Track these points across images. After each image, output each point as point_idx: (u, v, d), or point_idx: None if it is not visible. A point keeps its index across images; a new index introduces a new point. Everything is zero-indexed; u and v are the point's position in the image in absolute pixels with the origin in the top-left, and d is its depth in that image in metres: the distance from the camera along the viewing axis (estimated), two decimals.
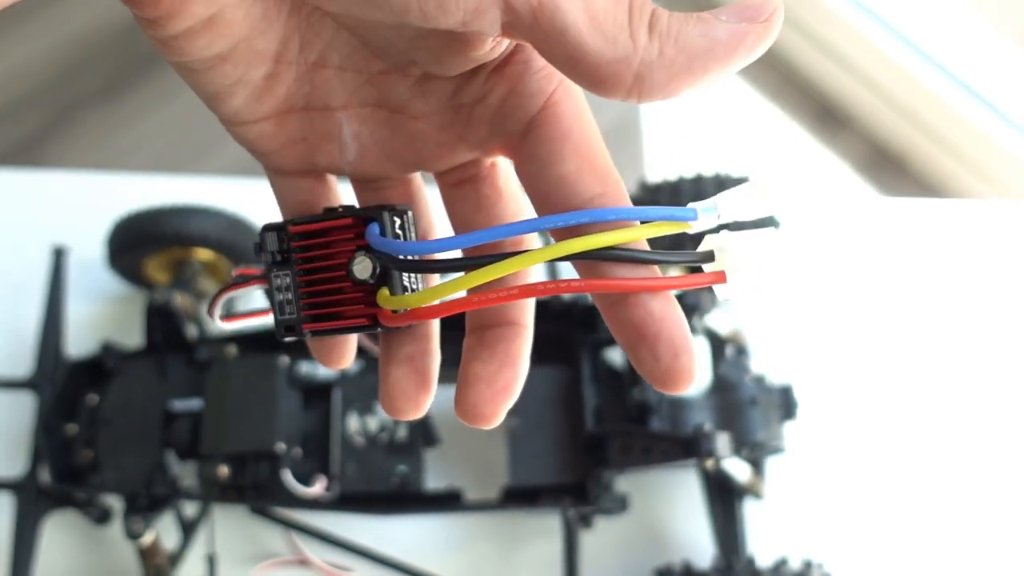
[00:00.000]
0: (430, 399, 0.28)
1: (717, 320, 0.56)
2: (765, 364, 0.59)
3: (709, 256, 0.24)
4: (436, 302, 0.24)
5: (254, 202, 0.64)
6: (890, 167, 1.26)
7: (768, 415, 0.54)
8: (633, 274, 0.24)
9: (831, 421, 0.60)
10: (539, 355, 0.57)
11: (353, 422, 0.55)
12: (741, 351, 0.57)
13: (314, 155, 0.28)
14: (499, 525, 0.57)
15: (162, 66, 1.28)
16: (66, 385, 0.56)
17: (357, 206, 0.28)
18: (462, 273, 0.24)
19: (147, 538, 0.51)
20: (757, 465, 0.55)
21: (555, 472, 0.54)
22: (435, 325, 0.28)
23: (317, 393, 0.56)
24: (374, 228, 0.26)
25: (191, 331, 0.58)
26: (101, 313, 0.62)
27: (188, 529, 0.54)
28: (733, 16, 0.22)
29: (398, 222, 0.26)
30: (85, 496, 0.55)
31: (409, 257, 0.25)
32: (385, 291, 0.25)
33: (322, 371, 0.57)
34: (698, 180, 0.61)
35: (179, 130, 1.23)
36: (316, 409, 0.56)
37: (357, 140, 0.27)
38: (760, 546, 0.55)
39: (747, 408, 0.53)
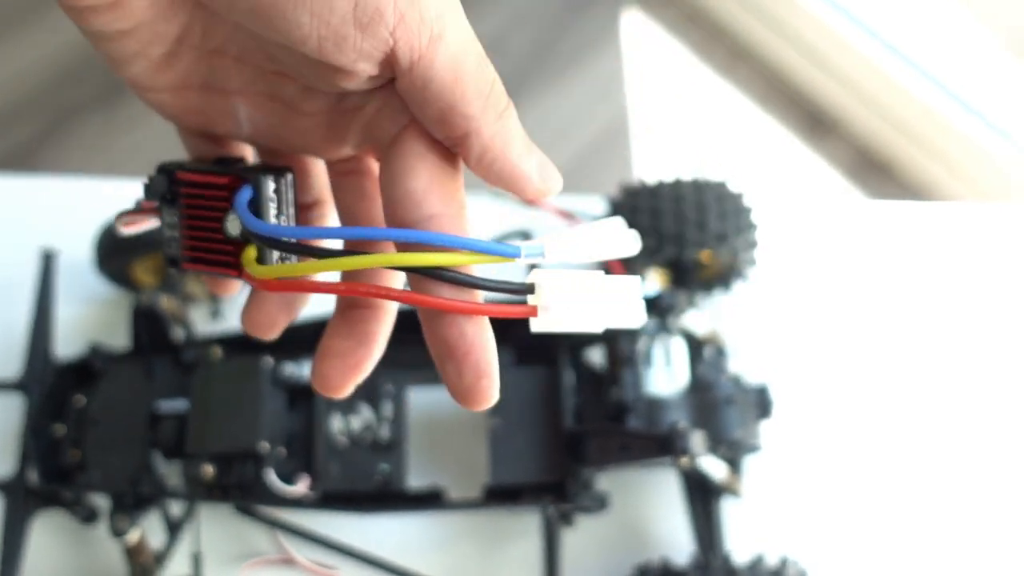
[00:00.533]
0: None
1: (695, 320, 0.57)
2: (744, 365, 0.60)
3: (530, 289, 0.26)
4: (278, 278, 0.27)
5: None
6: (876, 172, 1.28)
7: (744, 414, 0.55)
8: (457, 296, 0.25)
9: (808, 420, 0.61)
10: (520, 356, 0.58)
11: (336, 422, 0.56)
12: (719, 352, 0.58)
13: (212, 125, 0.30)
14: (481, 523, 0.58)
15: None
16: (54, 386, 0.57)
17: (248, 161, 0.31)
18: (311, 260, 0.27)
19: (133, 536, 0.52)
20: (734, 464, 0.56)
21: (536, 471, 0.55)
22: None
23: (301, 393, 0.57)
24: (245, 193, 0.28)
25: (177, 333, 0.59)
26: (89, 315, 0.63)
27: (174, 528, 0.55)
28: (537, 164, 0.27)
29: (272, 186, 0.28)
30: (72, 496, 0.56)
31: (261, 233, 0.27)
32: (250, 251, 0.27)
33: (307, 372, 0.58)
34: (677, 184, 0.62)
35: (176, 136, 1.24)
36: (300, 409, 0.57)
37: (251, 121, 0.30)
38: (738, 543, 0.56)
39: (723, 407, 0.54)
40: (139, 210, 0.31)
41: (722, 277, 0.63)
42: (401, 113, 0.28)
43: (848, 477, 0.60)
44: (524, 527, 0.58)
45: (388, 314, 0.30)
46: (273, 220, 0.28)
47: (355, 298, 0.29)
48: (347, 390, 0.29)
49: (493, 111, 0.26)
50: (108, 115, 1.27)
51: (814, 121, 1.30)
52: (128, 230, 0.32)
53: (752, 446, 0.55)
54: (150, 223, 0.32)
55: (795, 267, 0.67)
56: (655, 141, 1.29)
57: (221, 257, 0.28)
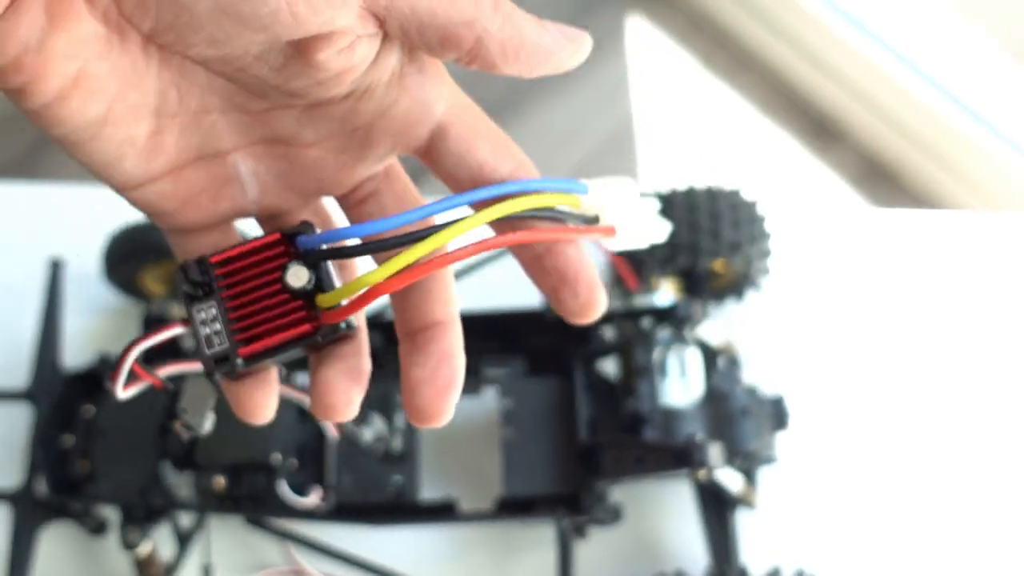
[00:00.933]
0: (361, 396, 0.28)
1: (709, 331, 0.57)
2: (757, 375, 0.59)
3: (595, 219, 0.29)
4: (377, 281, 0.25)
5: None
6: (883, 180, 1.27)
7: (760, 425, 0.54)
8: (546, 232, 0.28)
9: (823, 431, 0.61)
10: (533, 367, 0.58)
11: (349, 433, 0.55)
12: (733, 362, 0.58)
13: (217, 203, 0.28)
14: (493, 535, 0.58)
15: None
16: (62, 396, 0.56)
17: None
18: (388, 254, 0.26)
19: (144, 548, 0.52)
20: (749, 475, 0.56)
21: (549, 482, 0.54)
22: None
23: None
24: (305, 237, 0.27)
25: (188, 342, 0.58)
26: (98, 325, 0.63)
27: (184, 540, 0.54)
28: (557, 32, 0.27)
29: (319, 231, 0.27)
30: (81, 507, 0.55)
31: (349, 243, 0.26)
32: (323, 296, 0.26)
33: None
34: (690, 193, 0.61)
35: None
36: (312, 420, 0.56)
37: (256, 177, 0.28)
38: (753, 556, 0.56)
39: (739, 418, 0.54)
40: (149, 332, 0.29)
41: (734, 286, 0.63)
42: (434, 103, 0.27)
43: (863, 488, 0.60)
44: (537, 539, 0.57)
45: (455, 324, 0.28)
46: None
47: (418, 320, 0.28)
48: (448, 414, 0.28)
49: (488, 5, 0.25)
50: None
51: (820, 128, 1.30)
52: (128, 392, 0.30)
53: (768, 457, 0.55)
54: (149, 380, 0.30)
55: (808, 276, 0.66)
56: (660, 148, 1.29)
57: (287, 319, 0.27)
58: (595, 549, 0.57)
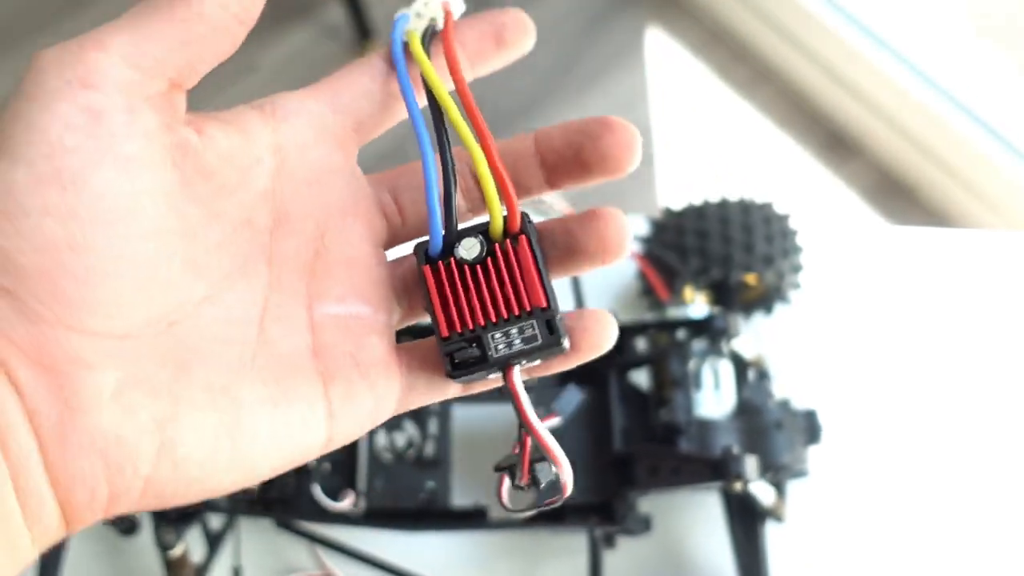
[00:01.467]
0: None
1: (743, 343, 0.57)
2: (785, 389, 0.59)
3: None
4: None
5: None
6: (898, 195, 1.27)
7: (793, 439, 0.54)
8: None
9: (851, 446, 0.61)
10: (566, 376, 0.58)
11: (381, 438, 0.55)
12: (763, 375, 0.58)
13: None
14: (523, 543, 0.58)
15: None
16: None
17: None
18: None
19: (178, 550, 0.52)
20: (779, 488, 0.56)
21: (582, 491, 0.54)
22: None
23: None
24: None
25: None
26: None
27: (214, 542, 0.54)
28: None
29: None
30: None
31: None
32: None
33: None
34: (723, 205, 0.62)
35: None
36: None
37: None
38: (782, 570, 0.56)
39: (772, 431, 0.54)
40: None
41: (764, 300, 0.63)
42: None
43: (893, 503, 0.60)
44: (566, 548, 0.57)
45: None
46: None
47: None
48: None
49: None
50: None
51: (836, 143, 1.30)
52: None
53: (800, 471, 0.55)
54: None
55: (837, 291, 0.66)
56: (677, 160, 1.29)
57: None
58: (623, 559, 0.57)
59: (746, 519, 0.56)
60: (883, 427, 0.62)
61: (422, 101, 0.30)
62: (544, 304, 0.28)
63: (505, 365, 0.28)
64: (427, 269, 0.28)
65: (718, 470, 0.50)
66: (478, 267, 0.28)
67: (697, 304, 0.58)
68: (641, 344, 0.56)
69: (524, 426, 0.29)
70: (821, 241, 0.67)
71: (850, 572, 0.57)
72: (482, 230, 0.29)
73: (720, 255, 0.59)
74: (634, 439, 0.56)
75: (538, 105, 1.32)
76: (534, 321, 0.28)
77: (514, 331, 0.28)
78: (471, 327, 0.28)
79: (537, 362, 0.29)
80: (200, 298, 0.26)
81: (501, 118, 1.28)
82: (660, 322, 0.56)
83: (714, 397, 0.55)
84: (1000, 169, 1.21)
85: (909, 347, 0.65)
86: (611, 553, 0.57)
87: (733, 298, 0.61)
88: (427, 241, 0.29)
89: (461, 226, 0.29)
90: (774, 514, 0.56)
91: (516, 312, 0.28)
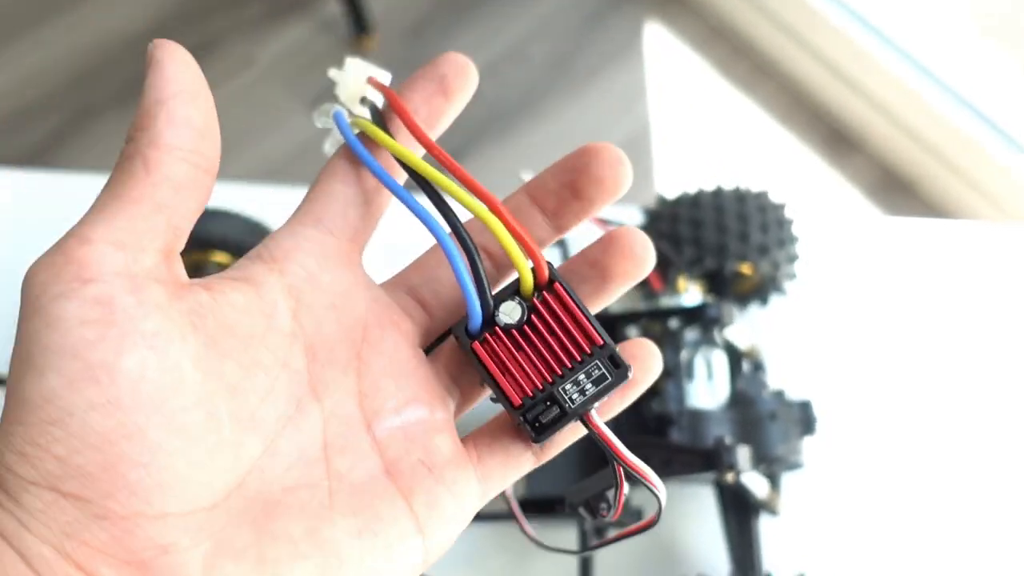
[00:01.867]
0: None
1: (737, 334, 0.56)
2: (780, 381, 0.59)
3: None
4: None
5: (272, 207, 0.64)
6: (899, 191, 1.27)
7: (787, 430, 0.54)
8: None
9: (846, 437, 0.60)
10: None
11: None
12: (758, 366, 0.57)
13: None
14: (512, 537, 0.57)
15: None
16: None
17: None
18: None
19: None
20: (774, 480, 0.55)
21: (572, 483, 0.53)
22: None
23: None
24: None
25: None
26: None
27: None
28: None
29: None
30: None
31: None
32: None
33: None
34: (718, 194, 0.61)
35: None
36: None
37: None
38: (776, 563, 0.55)
39: (766, 422, 0.53)
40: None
41: (759, 290, 0.62)
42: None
43: (889, 495, 0.59)
44: (556, 541, 0.56)
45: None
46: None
47: None
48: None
49: None
50: (124, 115, 1.26)
51: (837, 138, 1.30)
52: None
53: (794, 463, 0.54)
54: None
55: (833, 282, 0.66)
56: (676, 156, 1.28)
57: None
58: (615, 552, 0.56)
59: (740, 512, 0.55)
60: (879, 419, 0.61)
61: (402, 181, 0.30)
62: (601, 342, 0.28)
63: (584, 413, 0.28)
64: (477, 347, 0.28)
65: (710, 460, 0.49)
66: (525, 327, 0.28)
67: (690, 293, 0.58)
68: (633, 333, 0.55)
69: (619, 461, 0.29)
70: (817, 231, 0.67)
71: (846, 566, 0.56)
72: (514, 290, 0.29)
73: (715, 244, 0.58)
74: (626, 429, 0.55)
75: (536, 101, 1.31)
76: (597, 361, 0.28)
77: (582, 377, 0.28)
78: (540, 387, 0.28)
79: (605, 398, 0.29)
80: (260, 451, 0.26)
81: (499, 115, 1.27)
82: (652, 311, 0.55)
83: (707, 388, 0.54)
84: (1002, 165, 1.20)
85: (906, 338, 0.64)
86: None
87: (728, 288, 0.60)
88: (463, 321, 0.29)
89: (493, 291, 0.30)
90: (768, 507, 0.55)
91: (578, 358, 0.28)
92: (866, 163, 1.28)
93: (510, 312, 0.28)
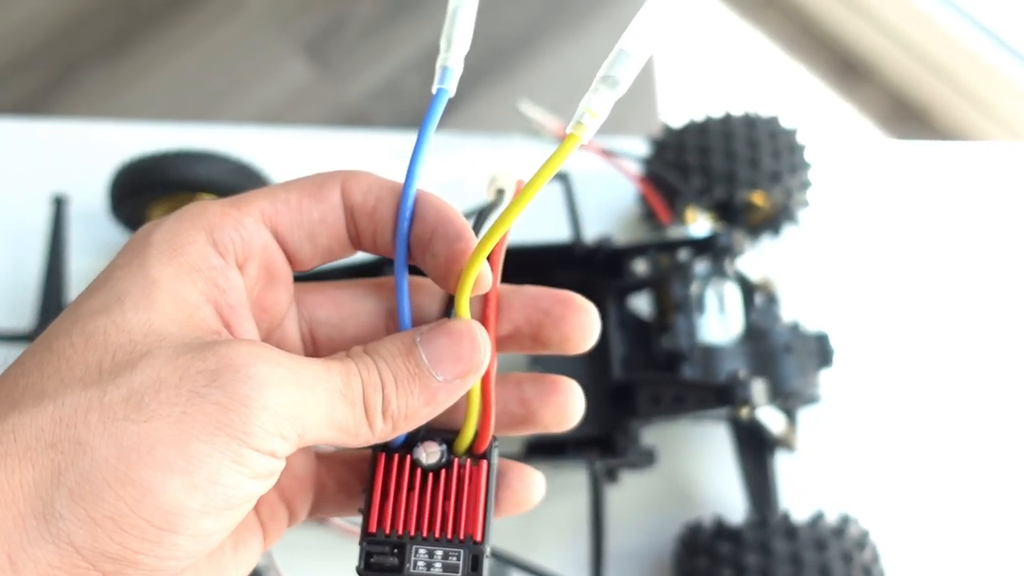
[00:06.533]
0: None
1: (749, 264, 0.54)
2: (794, 313, 0.56)
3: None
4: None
5: (263, 150, 0.61)
6: (911, 118, 1.23)
7: (803, 363, 0.52)
8: None
9: (863, 370, 0.58)
10: None
11: None
12: (771, 299, 0.55)
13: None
14: None
15: (168, 21, 1.27)
16: None
17: None
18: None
19: None
20: (790, 415, 0.53)
21: (581, 423, 0.52)
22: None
23: None
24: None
25: None
26: (105, 264, 0.60)
27: None
28: (447, 370, 0.27)
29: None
30: None
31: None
32: (457, 442, 0.29)
33: None
34: (727, 120, 0.58)
35: (186, 85, 1.21)
36: None
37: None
38: (793, 500, 0.53)
39: (781, 355, 0.51)
40: None
41: (771, 220, 0.60)
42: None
43: (907, 428, 0.57)
44: (566, 484, 0.55)
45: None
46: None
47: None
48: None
49: (365, 426, 0.26)
50: (113, 67, 1.23)
51: (846, 67, 1.26)
52: None
53: (811, 396, 0.52)
54: None
55: (846, 210, 0.63)
56: (681, 89, 1.25)
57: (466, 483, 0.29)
58: (627, 494, 0.55)
59: (755, 448, 0.53)
60: (896, 350, 0.59)
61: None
62: (478, 538, 0.27)
63: None
64: (382, 456, 0.28)
65: (724, 396, 0.47)
66: (430, 474, 0.28)
67: (700, 225, 0.55)
68: (641, 267, 0.53)
69: None
70: (830, 156, 0.64)
71: (865, 502, 0.55)
72: (448, 439, 0.29)
73: (724, 172, 0.56)
74: (635, 367, 0.53)
75: (536, 36, 1.28)
76: (462, 551, 0.27)
77: (439, 553, 0.27)
78: (400, 533, 0.27)
79: None
80: None
81: (499, 53, 1.24)
82: (661, 242, 0.53)
83: (719, 321, 0.52)
84: (1018, 89, 1.16)
85: (923, 266, 0.62)
86: (614, 488, 0.54)
87: (738, 219, 0.57)
88: None
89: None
90: (784, 443, 0.53)
91: (448, 536, 0.27)
92: (876, 91, 1.25)
93: (431, 453, 0.28)
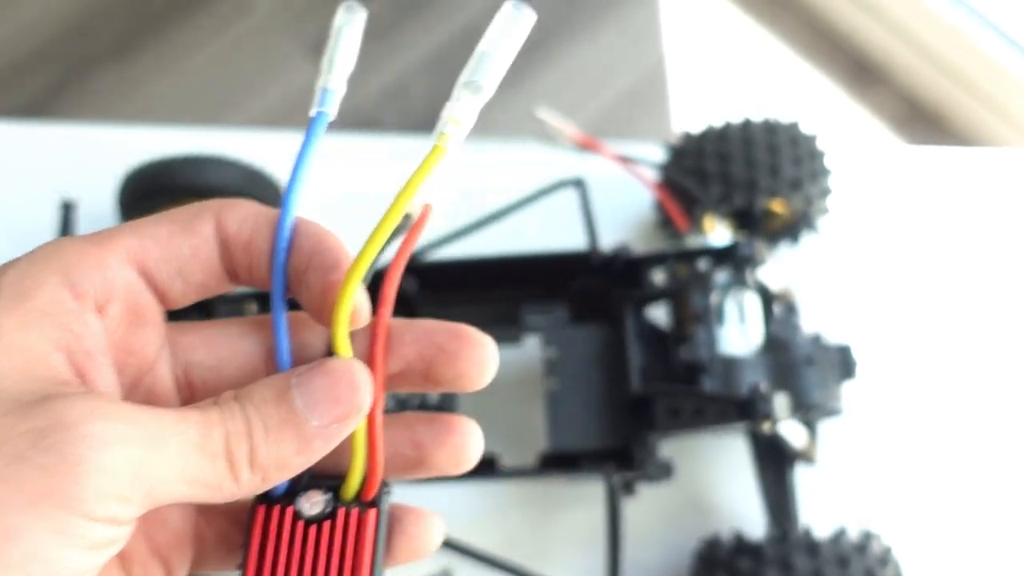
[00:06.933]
0: None
1: (769, 274, 0.53)
2: (814, 323, 0.55)
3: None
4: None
5: (273, 155, 0.61)
6: (926, 122, 1.22)
7: (825, 375, 0.50)
8: None
9: (885, 381, 0.57)
10: (577, 313, 0.54)
11: None
12: (791, 309, 0.54)
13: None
14: (536, 492, 0.54)
15: (176, 23, 1.26)
16: None
17: None
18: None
19: None
20: (811, 428, 0.52)
21: (597, 436, 0.51)
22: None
23: None
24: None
25: None
26: None
27: None
28: (324, 414, 0.25)
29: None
30: None
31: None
32: (344, 488, 0.27)
33: None
34: (746, 126, 0.57)
35: (196, 87, 1.20)
36: None
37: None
38: (814, 515, 0.52)
39: (803, 368, 0.50)
40: None
41: (791, 228, 0.59)
42: None
43: (931, 441, 0.56)
44: (582, 496, 0.54)
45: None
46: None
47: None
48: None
49: (244, 469, 0.24)
50: (122, 68, 1.23)
51: (860, 70, 1.25)
52: None
53: (833, 409, 0.51)
54: None
55: (869, 216, 0.62)
56: (694, 93, 1.24)
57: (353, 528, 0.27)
58: (644, 508, 0.54)
59: (775, 462, 0.52)
60: (920, 359, 0.58)
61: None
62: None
63: None
64: (261, 508, 0.26)
65: (745, 410, 0.46)
66: (312, 526, 0.26)
67: (718, 232, 0.54)
68: (659, 276, 0.52)
69: None
70: (851, 163, 0.63)
71: (888, 517, 0.54)
72: (334, 486, 0.27)
73: (743, 180, 0.55)
74: (653, 378, 0.52)
75: (548, 40, 1.26)
76: None
77: None
78: None
79: None
80: None
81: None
82: (680, 251, 0.52)
83: (739, 332, 0.51)
84: None
85: (946, 274, 0.60)
86: (630, 501, 0.53)
87: (758, 226, 0.56)
88: None
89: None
90: (805, 456, 0.52)
91: None
92: (891, 95, 1.24)
93: (314, 504, 0.26)
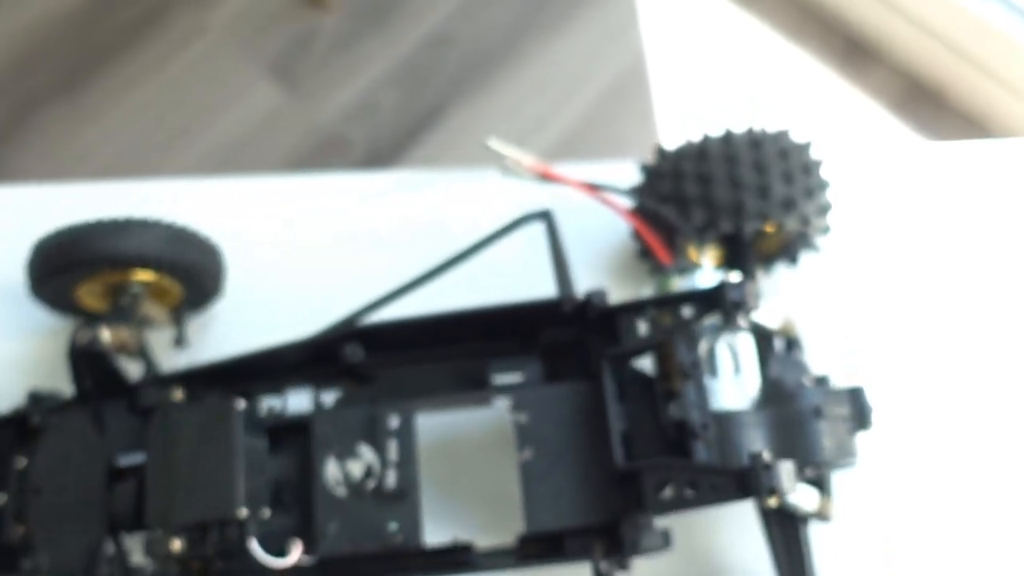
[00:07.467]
0: None
1: (765, 314, 0.46)
2: (817, 356, 0.49)
3: None
4: None
5: (212, 205, 0.55)
6: (930, 103, 1.17)
7: (836, 427, 0.44)
8: None
9: (901, 423, 0.51)
10: (551, 369, 0.48)
11: (332, 469, 0.46)
12: (793, 344, 0.47)
13: None
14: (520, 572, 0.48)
15: (126, 51, 1.20)
16: None
17: None
18: None
19: None
20: (823, 487, 0.46)
21: (581, 512, 0.45)
22: None
23: (287, 432, 0.47)
24: None
25: (135, 368, 0.49)
26: (26, 351, 0.53)
27: None
28: None
29: None
30: None
31: None
32: None
33: (291, 404, 0.48)
34: (728, 140, 0.51)
35: (148, 118, 1.14)
36: (286, 452, 0.47)
37: None
38: (829, 573, 0.46)
39: (810, 421, 0.44)
40: None
41: (787, 248, 0.53)
42: None
43: (954, 490, 0.50)
44: (568, 570, 0.48)
45: None
46: None
47: None
48: None
49: None
50: (71, 103, 1.17)
51: (854, 49, 1.19)
52: None
53: (846, 463, 0.45)
54: None
55: (874, 230, 0.56)
56: (677, 90, 1.18)
57: None
58: (649, 573, 0.48)
59: (786, 526, 0.46)
60: (943, 392, 0.52)
61: None
62: None
63: None
64: None
65: (745, 484, 0.40)
66: None
67: (704, 267, 0.48)
68: (641, 327, 0.46)
69: None
70: (851, 171, 0.57)
71: (907, 570, 0.48)
72: None
73: (728, 203, 0.49)
74: (640, 440, 0.45)
75: (521, 38, 1.20)
76: None
77: None
78: None
79: None
80: None
81: (482, 57, 1.17)
82: (660, 298, 0.46)
83: (734, 383, 0.45)
84: None
85: (963, 291, 0.54)
86: (625, 573, 0.47)
87: (748, 254, 0.50)
88: None
89: None
90: (819, 515, 0.46)
91: None
92: (888, 74, 1.18)
93: None
